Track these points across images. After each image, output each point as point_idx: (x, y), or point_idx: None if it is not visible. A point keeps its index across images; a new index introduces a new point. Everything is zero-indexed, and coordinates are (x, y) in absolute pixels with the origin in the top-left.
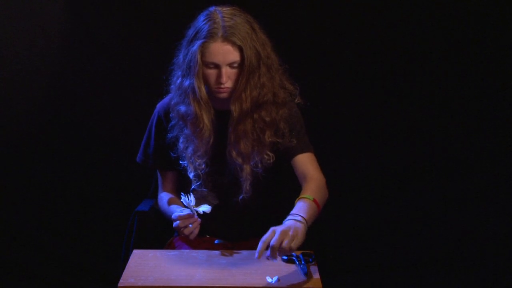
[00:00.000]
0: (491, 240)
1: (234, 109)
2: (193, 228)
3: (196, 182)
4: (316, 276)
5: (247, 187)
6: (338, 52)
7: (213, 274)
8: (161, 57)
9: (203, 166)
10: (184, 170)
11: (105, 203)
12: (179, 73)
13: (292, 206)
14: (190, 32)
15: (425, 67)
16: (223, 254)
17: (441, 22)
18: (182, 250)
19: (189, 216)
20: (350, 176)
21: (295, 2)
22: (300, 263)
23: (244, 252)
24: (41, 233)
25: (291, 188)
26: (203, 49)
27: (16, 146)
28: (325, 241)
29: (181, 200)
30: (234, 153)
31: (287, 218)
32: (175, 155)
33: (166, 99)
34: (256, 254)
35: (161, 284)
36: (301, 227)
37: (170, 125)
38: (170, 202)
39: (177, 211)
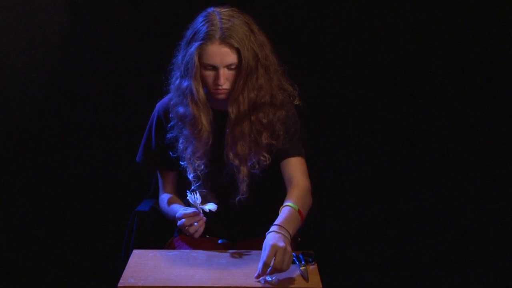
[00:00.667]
0: (491, 240)
1: (232, 110)
2: (199, 226)
3: (196, 183)
4: (316, 276)
5: (244, 188)
6: (338, 52)
7: (213, 274)
8: (161, 57)
9: (202, 167)
10: (184, 171)
11: (105, 203)
12: (178, 74)
13: None
14: (189, 33)
15: (426, 67)
16: (223, 253)
17: (442, 22)
18: (182, 250)
19: (194, 214)
20: (350, 176)
21: (294, 2)
22: (300, 263)
23: (244, 252)
24: (41, 233)
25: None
26: (200, 51)
27: (16, 146)
28: (325, 241)
29: (187, 198)
30: (231, 155)
31: (275, 230)
32: (175, 156)
33: (165, 99)
34: (256, 275)
35: (161, 284)
36: (288, 246)
37: (169, 125)
38: (172, 203)
39: (181, 210)
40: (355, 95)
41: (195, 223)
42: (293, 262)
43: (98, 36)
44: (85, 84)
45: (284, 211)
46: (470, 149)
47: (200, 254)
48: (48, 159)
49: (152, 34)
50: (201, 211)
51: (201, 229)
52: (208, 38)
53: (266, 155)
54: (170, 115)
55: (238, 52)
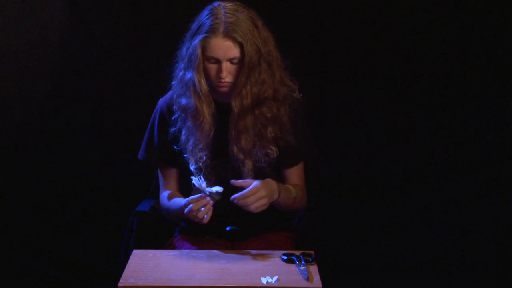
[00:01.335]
0: (491, 240)
1: (235, 105)
2: (206, 210)
3: (198, 175)
4: (316, 276)
5: None
6: (339, 52)
7: (213, 274)
8: (161, 58)
9: (204, 159)
10: (186, 163)
11: (105, 203)
12: (182, 65)
13: None
14: (193, 26)
15: (426, 67)
16: (223, 253)
17: (442, 22)
18: (182, 250)
19: (201, 198)
20: (350, 176)
21: None
22: (300, 263)
23: (244, 252)
24: (41, 233)
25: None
26: (204, 44)
27: (16, 146)
28: (325, 241)
29: (193, 182)
30: (235, 149)
31: (274, 183)
32: (178, 149)
33: (167, 95)
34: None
35: (161, 284)
36: (270, 200)
37: (172, 118)
38: (174, 197)
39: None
40: (355, 95)
41: (202, 208)
42: (293, 262)
43: (98, 36)
44: (85, 84)
45: (284, 186)
46: (470, 149)
47: (200, 254)
48: (48, 159)
49: (152, 34)
50: (208, 195)
51: (209, 214)
52: (212, 31)
53: (273, 147)
54: (174, 107)
55: (241, 46)
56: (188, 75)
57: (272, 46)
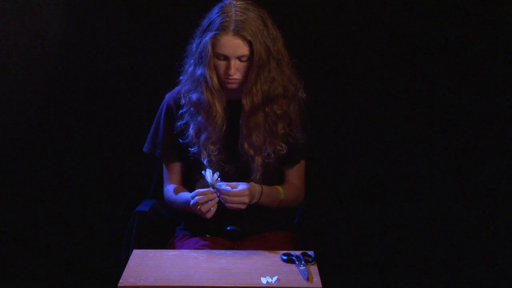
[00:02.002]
0: (491, 240)
1: (246, 102)
2: (212, 204)
3: (210, 169)
4: (316, 276)
5: (257, 178)
6: (339, 52)
7: (213, 274)
8: (162, 58)
9: (216, 153)
10: (193, 156)
11: (105, 203)
12: (192, 61)
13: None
14: (204, 23)
15: (428, 67)
16: (223, 253)
17: (442, 22)
18: (182, 250)
19: (209, 192)
20: (350, 176)
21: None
22: (300, 263)
23: (244, 252)
24: (41, 233)
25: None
26: (214, 41)
27: (16, 146)
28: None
29: (202, 173)
30: (246, 145)
31: (259, 187)
32: (184, 142)
33: (175, 90)
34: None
35: (161, 284)
36: (247, 205)
37: (180, 112)
38: (180, 191)
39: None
40: (355, 94)
41: (209, 202)
42: (293, 262)
43: (98, 36)
44: (85, 84)
45: (273, 188)
46: (470, 149)
47: (200, 254)
48: (48, 159)
49: (152, 34)
50: (216, 190)
51: (214, 209)
52: (222, 29)
53: (283, 144)
54: (182, 101)
55: (250, 44)
56: (199, 71)
57: (281, 45)
